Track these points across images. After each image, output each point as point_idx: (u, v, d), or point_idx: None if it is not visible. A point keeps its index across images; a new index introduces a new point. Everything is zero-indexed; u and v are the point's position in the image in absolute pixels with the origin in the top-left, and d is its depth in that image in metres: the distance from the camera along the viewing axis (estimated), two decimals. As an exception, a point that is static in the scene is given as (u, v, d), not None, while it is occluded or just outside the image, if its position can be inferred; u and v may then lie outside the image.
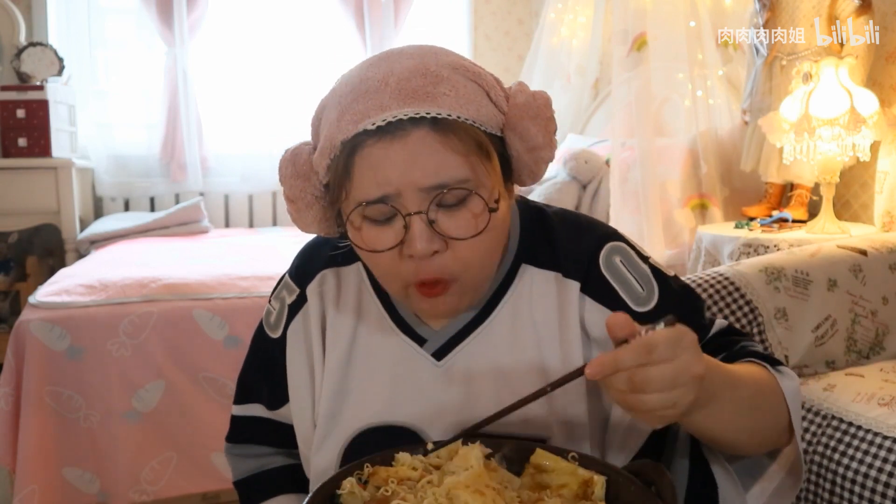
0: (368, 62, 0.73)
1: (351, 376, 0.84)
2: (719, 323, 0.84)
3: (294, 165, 0.75)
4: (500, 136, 0.73)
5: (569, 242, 0.81)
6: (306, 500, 0.63)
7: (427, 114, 0.67)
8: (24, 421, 1.88)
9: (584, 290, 0.79)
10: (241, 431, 0.95)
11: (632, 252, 0.82)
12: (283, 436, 0.92)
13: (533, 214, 0.85)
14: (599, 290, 0.79)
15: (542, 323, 0.80)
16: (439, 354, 0.81)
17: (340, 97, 0.70)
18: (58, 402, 1.93)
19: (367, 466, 0.68)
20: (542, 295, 0.80)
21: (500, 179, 0.73)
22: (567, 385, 0.76)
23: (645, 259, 0.82)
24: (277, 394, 0.90)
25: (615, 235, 0.83)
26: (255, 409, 0.94)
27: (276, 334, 0.89)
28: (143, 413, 1.99)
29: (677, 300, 0.81)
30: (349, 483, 0.65)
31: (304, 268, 0.89)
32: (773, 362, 0.78)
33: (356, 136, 0.68)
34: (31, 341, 1.91)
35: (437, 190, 0.68)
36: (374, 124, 0.67)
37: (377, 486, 0.65)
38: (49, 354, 1.93)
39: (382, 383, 0.82)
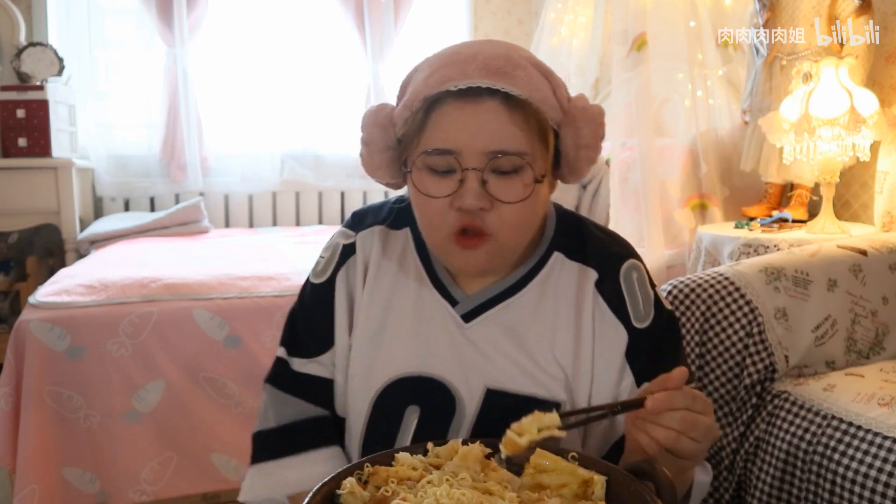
0: (462, 42, 0.85)
1: (387, 324, 0.91)
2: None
3: (376, 116, 0.85)
4: (556, 132, 0.83)
5: (599, 243, 0.92)
6: (306, 499, 0.63)
7: (502, 88, 0.77)
8: (24, 421, 1.88)
9: (598, 285, 0.89)
10: (283, 378, 0.96)
11: (645, 275, 0.92)
12: (323, 392, 0.94)
13: (569, 217, 0.96)
14: (611, 293, 0.89)
15: (562, 306, 0.89)
16: (468, 317, 0.89)
17: (431, 62, 0.82)
18: (58, 402, 1.93)
19: (367, 466, 0.68)
20: (566, 281, 0.90)
21: (549, 163, 0.84)
22: (579, 371, 0.88)
23: (653, 285, 0.92)
24: (323, 338, 0.94)
25: (637, 255, 0.93)
26: (302, 364, 0.95)
27: (322, 278, 0.95)
28: (143, 413, 1.99)
29: (664, 328, 0.90)
30: (349, 483, 0.65)
31: (360, 219, 0.97)
32: None
33: (438, 94, 0.79)
34: (31, 341, 1.91)
35: (495, 155, 0.78)
36: (456, 87, 0.78)
37: (377, 486, 0.65)
38: (49, 354, 1.92)
39: (414, 336, 0.90)
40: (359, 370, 0.91)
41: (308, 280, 0.98)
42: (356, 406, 0.90)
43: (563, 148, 0.85)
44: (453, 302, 0.90)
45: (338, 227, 1.01)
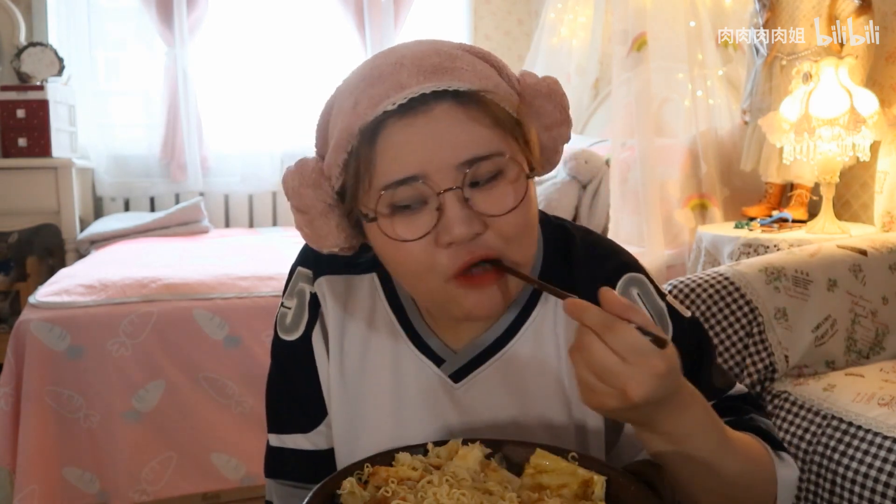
0: (376, 55, 0.70)
1: (363, 394, 0.80)
2: (739, 388, 0.80)
3: (301, 175, 0.70)
4: (516, 119, 0.69)
5: (587, 267, 0.78)
6: (306, 499, 0.63)
7: (449, 87, 0.64)
8: (24, 421, 1.88)
9: None
10: (281, 465, 0.85)
11: (650, 285, 0.78)
12: (326, 469, 0.82)
13: (556, 231, 0.81)
14: None
15: (561, 344, 0.77)
16: (457, 376, 0.77)
17: (352, 89, 0.67)
18: (58, 402, 1.93)
19: (367, 466, 0.68)
20: (560, 316, 0.77)
21: (522, 153, 0.69)
22: (587, 412, 0.76)
23: (662, 295, 0.79)
24: (313, 407, 0.83)
25: (635, 266, 0.79)
26: (295, 441, 0.84)
27: (295, 335, 0.83)
28: (143, 413, 1.99)
29: (687, 340, 0.76)
30: (349, 483, 0.65)
31: (317, 258, 0.83)
32: (778, 445, 0.76)
33: (376, 118, 0.64)
34: (31, 341, 1.91)
35: (470, 165, 0.64)
36: (394, 103, 0.63)
37: (377, 486, 0.65)
38: (49, 354, 1.93)
39: (396, 405, 0.79)
40: (340, 447, 0.81)
41: (277, 336, 0.84)
42: None
43: (529, 137, 0.70)
44: (438, 360, 0.77)
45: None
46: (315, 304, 0.82)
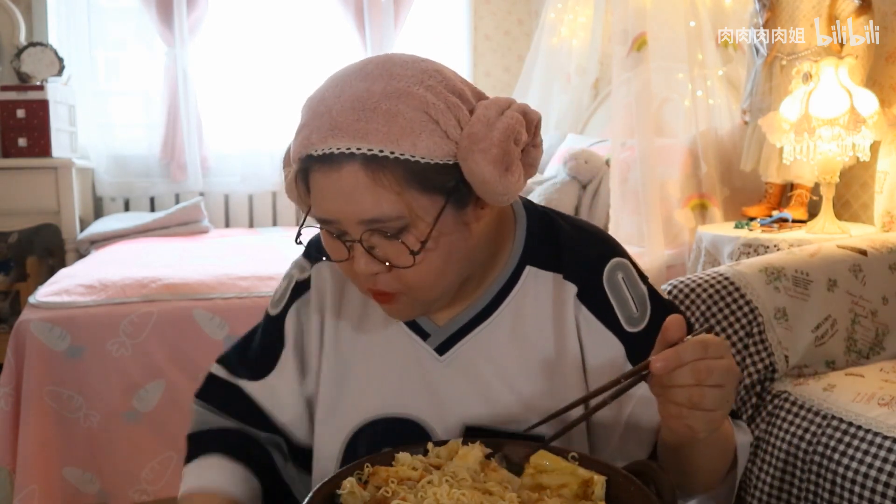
0: (337, 76, 0.73)
1: (354, 365, 0.86)
2: None
3: (286, 179, 0.78)
4: (454, 165, 0.69)
5: (575, 246, 0.83)
6: (306, 499, 0.63)
7: (357, 149, 0.67)
8: (24, 421, 1.88)
9: (580, 296, 0.81)
10: (216, 395, 0.93)
11: (633, 271, 0.84)
12: (255, 416, 0.91)
13: (540, 218, 0.86)
14: (596, 301, 0.81)
15: (543, 321, 0.82)
16: (442, 349, 0.83)
17: (306, 110, 0.72)
18: (58, 402, 1.93)
19: (367, 466, 0.68)
20: (543, 294, 0.82)
21: (435, 213, 0.70)
22: (568, 388, 0.80)
23: (644, 279, 0.84)
24: (265, 363, 0.91)
25: (621, 250, 0.85)
26: (239, 382, 0.92)
27: (276, 310, 0.91)
28: (143, 413, 1.99)
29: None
30: (349, 483, 0.65)
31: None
32: (734, 414, 0.84)
33: (306, 157, 0.70)
34: (31, 341, 1.91)
35: (370, 224, 0.70)
36: (315, 152, 0.69)
37: (377, 486, 0.65)
38: (49, 354, 1.92)
39: (385, 375, 0.85)
40: (324, 415, 0.87)
41: (268, 308, 0.94)
42: (326, 450, 0.86)
43: (470, 178, 0.69)
44: (424, 335, 0.84)
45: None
46: (298, 290, 0.90)
